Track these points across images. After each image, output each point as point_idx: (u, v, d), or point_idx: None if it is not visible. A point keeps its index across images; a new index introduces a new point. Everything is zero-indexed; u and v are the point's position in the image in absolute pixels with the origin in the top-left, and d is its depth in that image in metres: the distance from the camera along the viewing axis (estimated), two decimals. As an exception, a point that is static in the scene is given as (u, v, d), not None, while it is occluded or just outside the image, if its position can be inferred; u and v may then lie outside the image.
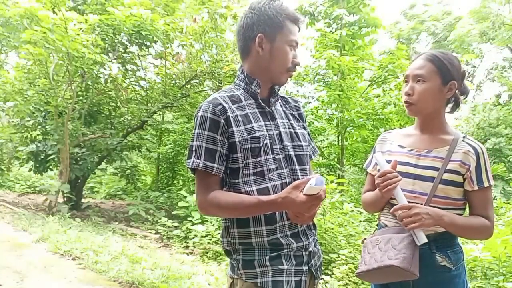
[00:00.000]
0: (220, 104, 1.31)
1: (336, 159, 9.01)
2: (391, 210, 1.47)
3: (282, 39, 1.35)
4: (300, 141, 1.45)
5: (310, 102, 9.37)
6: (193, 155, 1.30)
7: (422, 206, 1.41)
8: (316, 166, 8.54)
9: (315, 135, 9.13)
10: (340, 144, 9.09)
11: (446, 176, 1.44)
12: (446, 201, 1.45)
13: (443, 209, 1.44)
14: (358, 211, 5.56)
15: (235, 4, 7.80)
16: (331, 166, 8.74)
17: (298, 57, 1.41)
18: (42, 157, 7.30)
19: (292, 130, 1.45)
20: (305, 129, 1.53)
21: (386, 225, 1.56)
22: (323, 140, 10.22)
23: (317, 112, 9.05)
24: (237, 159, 1.31)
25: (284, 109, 1.50)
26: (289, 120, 1.47)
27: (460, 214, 1.49)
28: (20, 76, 7.16)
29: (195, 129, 1.32)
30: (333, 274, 4.09)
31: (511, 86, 17.07)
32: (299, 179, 1.35)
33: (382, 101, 8.22)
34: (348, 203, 5.41)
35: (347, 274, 4.02)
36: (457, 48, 17.77)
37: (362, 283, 3.93)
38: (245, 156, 1.31)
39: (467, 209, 1.54)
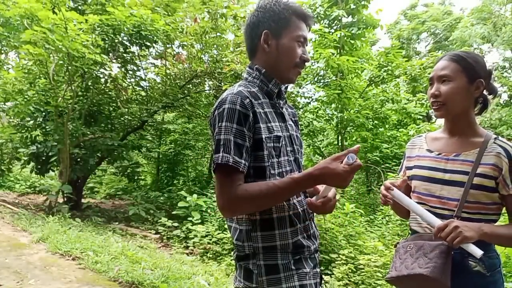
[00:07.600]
0: (247, 97, 1.25)
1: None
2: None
3: (289, 35, 1.31)
4: (300, 146, 1.44)
5: (310, 103, 9.37)
6: (221, 149, 1.19)
7: (457, 220, 1.35)
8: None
9: (315, 134, 9.12)
10: (339, 144, 9.08)
11: (476, 180, 1.37)
12: (477, 205, 1.39)
13: (474, 214, 1.39)
14: (358, 211, 5.56)
15: (236, 4, 7.81)
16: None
17: (307, 53, 1.37)
18: (43, 158, 7.29)
19: (298, 133, 1.45)
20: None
21: (416, 232, 1.52)
22: (323, 139, 10.22)
23: (317, 112, 9.05)
24: (262, 157, 1.24)
25: (287, 112, 1.48)
26: (293, 122, 1.46)
27: (495, 220, 1.43)
28: (20, 76, 7.16)
29: (221, 121, 1.22)
30: (333, 274, 4.09)
31: (511, 87, 17.05)
32: None
33: (379, 99, 8.22)
34: (349, 204, 5.42)
35: (347, 274, 4.02)
36: (458, 48, 17.76)
37: (362, 283, 3.93)
38: (270, 155, 1.25)
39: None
